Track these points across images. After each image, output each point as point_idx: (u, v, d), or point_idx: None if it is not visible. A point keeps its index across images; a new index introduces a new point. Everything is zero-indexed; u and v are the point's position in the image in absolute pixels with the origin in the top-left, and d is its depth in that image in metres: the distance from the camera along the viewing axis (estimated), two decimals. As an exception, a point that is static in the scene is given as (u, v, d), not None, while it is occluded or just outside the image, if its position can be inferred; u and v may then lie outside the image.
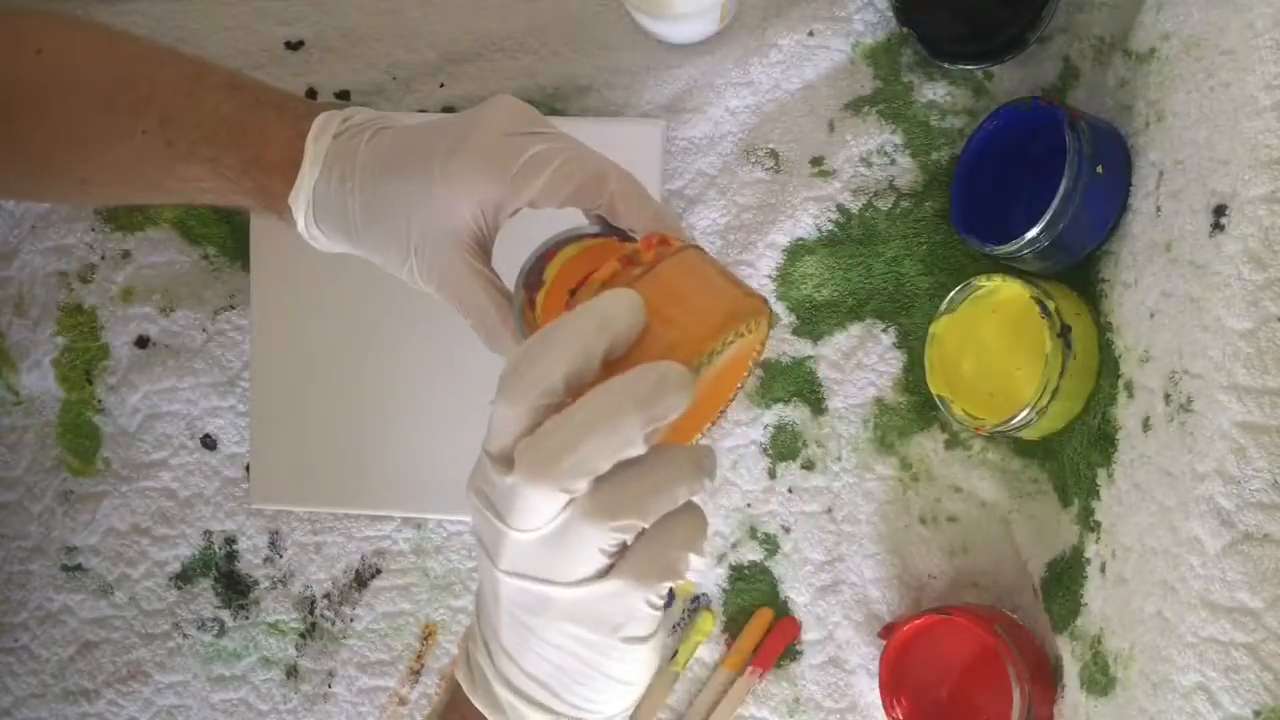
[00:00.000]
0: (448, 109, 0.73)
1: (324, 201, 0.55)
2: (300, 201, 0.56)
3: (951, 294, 0.63)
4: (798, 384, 0.69)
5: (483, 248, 0.54)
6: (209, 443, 0.75)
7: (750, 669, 0.68)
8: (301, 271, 0.72)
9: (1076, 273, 0.64)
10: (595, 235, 0.52)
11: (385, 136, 0.56)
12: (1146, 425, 0.54)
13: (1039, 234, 0.58)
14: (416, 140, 0.54)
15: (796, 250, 0.69)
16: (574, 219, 0.53)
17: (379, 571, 0.73)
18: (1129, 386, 0.57)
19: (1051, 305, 0.59)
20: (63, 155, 0.59)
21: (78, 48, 0.59)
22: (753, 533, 0.69)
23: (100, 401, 0.76)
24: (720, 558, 0.70)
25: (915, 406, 0.67)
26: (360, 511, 0.73)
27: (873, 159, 0.68)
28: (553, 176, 0.51)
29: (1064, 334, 0.59)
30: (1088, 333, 0.60)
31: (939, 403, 0.63)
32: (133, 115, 0.58)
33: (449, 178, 0.52)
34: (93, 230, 0.76)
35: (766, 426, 0.69)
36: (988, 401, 0.62)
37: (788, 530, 0.69)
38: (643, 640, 0.42)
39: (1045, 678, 0.62)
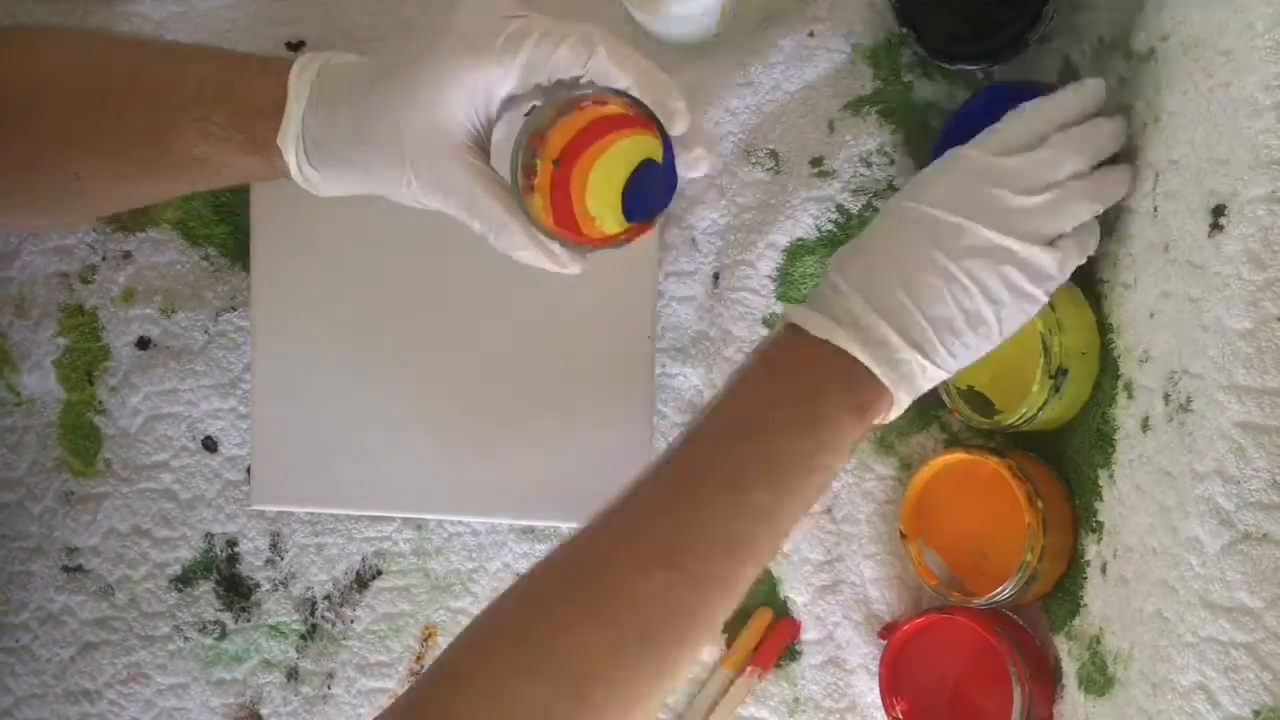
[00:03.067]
0: (448, 109, 0.73)
1: (314, 134, 0.55)
2: (290, 138, 0.55)
3: None
4: (798, 384, 0.69)
5: (480, 147, 0.54)
6: (210, 445, 0.75)
7: (750, 669, 0.68)
8: (302, 273, 0.72)
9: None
10: (574, 100, 0.52)
11: (368, 60, 0.56)
12: (1146, 425, 0.54)
13: None
14: (397, 52, 0.54)
15: (796, 250, 0.69)
16: None
17: (379, 573, 0.73)
18: (1129, 387, 0.57)
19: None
20: (50, 154, 0.59)
21: (55, 48, 0.60)
22: (753, 533, 0.69)
23: (101, 403, 0.76)
24: (720, 558, 0.69)
25: (915, 406, 0.67)
26: (361, 512, 0.73)
27: (873, 159, 0.68)
28: (537, 46, 0.51)
29: (1057, 376, 0.59)
30: (1087, 346, 0.60)
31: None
32: (120, 98, 0.58)
33: (434, 73, 0.52)
34: (93, 231, 0.76)
35: (766, 427, 0.69)
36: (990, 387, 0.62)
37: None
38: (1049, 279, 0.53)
39: (1045, 677, 0.62)
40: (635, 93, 0.52)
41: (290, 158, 0.56)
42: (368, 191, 0.56)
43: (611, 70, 0.51)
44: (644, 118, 0.52)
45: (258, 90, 0.56)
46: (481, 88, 0.52)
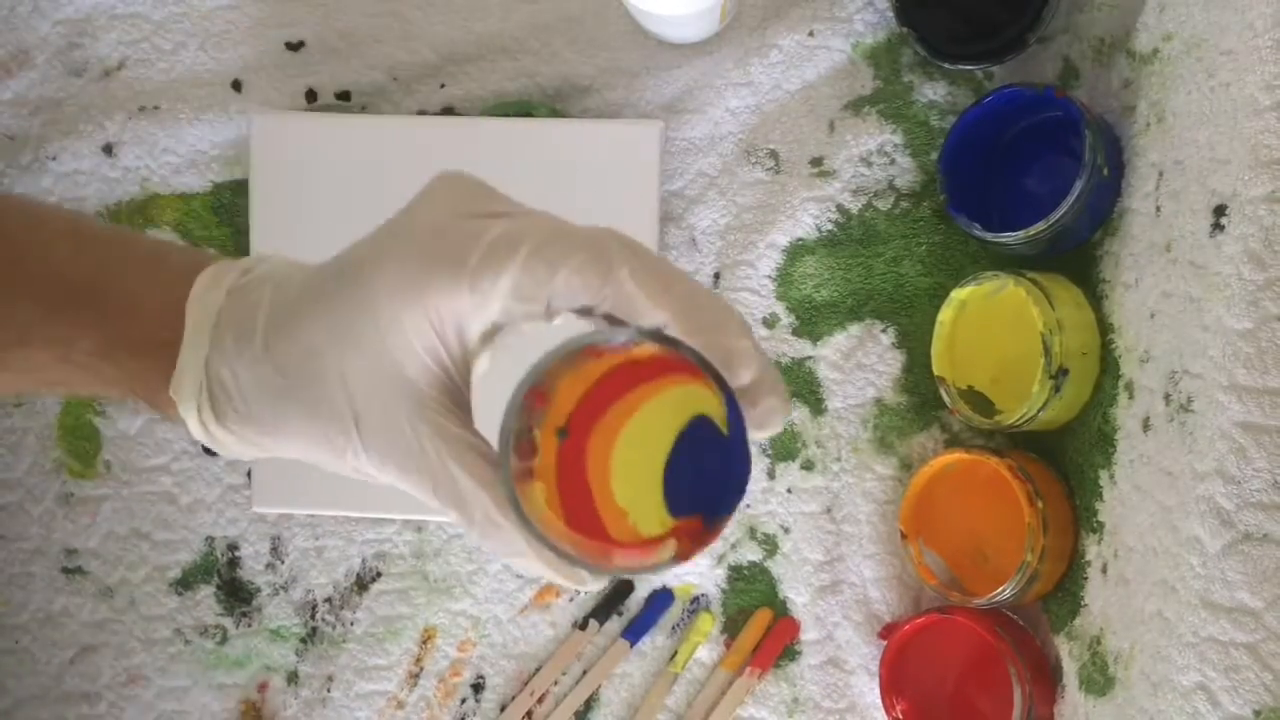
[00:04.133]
0: (448, 109, 0.73)
1: (221, 384, 0.39)
2: (186, 391, 0.40)
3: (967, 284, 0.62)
4: (797, 384, 0.69)
5: (454, 399, 0.38)
6: (209, 448, 0.75)
7: (749, 669, 0.68)
8: (301, 273, 0.72)
9: (1065, 261, 0.64)
10: (600, 345, 0.36)
11: (298, 273, 0.40)
12: (1146, 425, 0.54)
13: (1041, 230, 0.58)
14: (340, 260, 0.39)
15: (796, 250, 0.69)
16: None
17: (379, 575, 0.73)
18: (1129, 387, 0.57)
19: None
20: None
21: None
22: (752, 533, 0.69)
23: (101, 404, 0.76)
24: (719, 558, 0.69)
25: (915, 406, 0.67)
26: (361, 514, 0.73)
27: (873, 159, 0.68)
28: (527, 264, 0.35)
29: (1058, 376, 0.59)
30: (1088, 346, 0.60)
31: (940, 384, 0.63)
32: None
33: (381, 295, 0.36)
34: (92, 232, 0.76)
35: (766, 427, 0.69)
36: (990, 388, 0.62)
37: (787, 530, 0.69)
38: None
39: (1046, 678, 0.62)
40: (677, 330, 0.36)
41: (188, 414, 0.40)
42: (299, 457, 0.41)
43: (639, 295, 0.35)
44: (688, 362, 0.35)
45: (142, 314, 0.40)
46: (451, 321, 0.36)
